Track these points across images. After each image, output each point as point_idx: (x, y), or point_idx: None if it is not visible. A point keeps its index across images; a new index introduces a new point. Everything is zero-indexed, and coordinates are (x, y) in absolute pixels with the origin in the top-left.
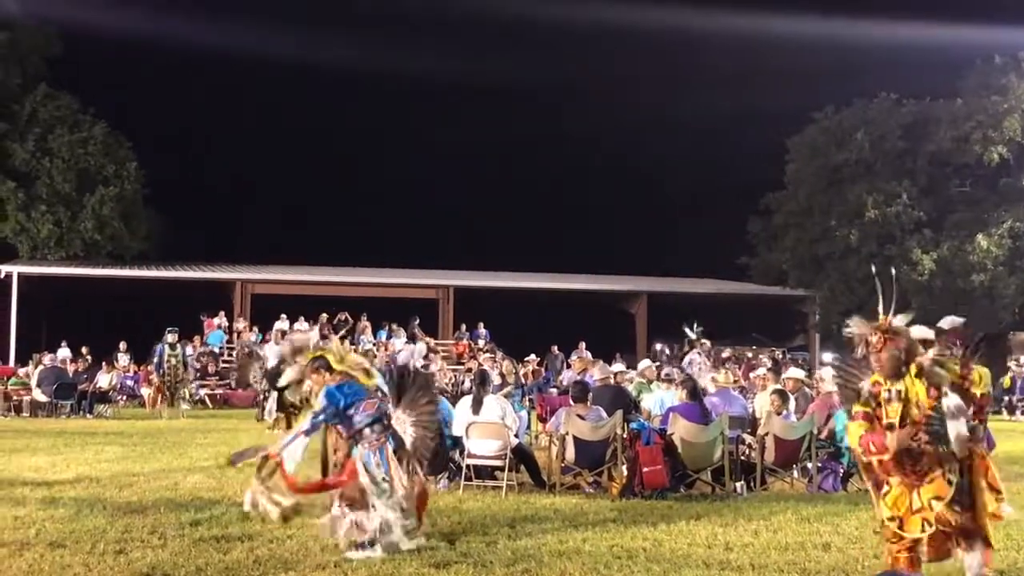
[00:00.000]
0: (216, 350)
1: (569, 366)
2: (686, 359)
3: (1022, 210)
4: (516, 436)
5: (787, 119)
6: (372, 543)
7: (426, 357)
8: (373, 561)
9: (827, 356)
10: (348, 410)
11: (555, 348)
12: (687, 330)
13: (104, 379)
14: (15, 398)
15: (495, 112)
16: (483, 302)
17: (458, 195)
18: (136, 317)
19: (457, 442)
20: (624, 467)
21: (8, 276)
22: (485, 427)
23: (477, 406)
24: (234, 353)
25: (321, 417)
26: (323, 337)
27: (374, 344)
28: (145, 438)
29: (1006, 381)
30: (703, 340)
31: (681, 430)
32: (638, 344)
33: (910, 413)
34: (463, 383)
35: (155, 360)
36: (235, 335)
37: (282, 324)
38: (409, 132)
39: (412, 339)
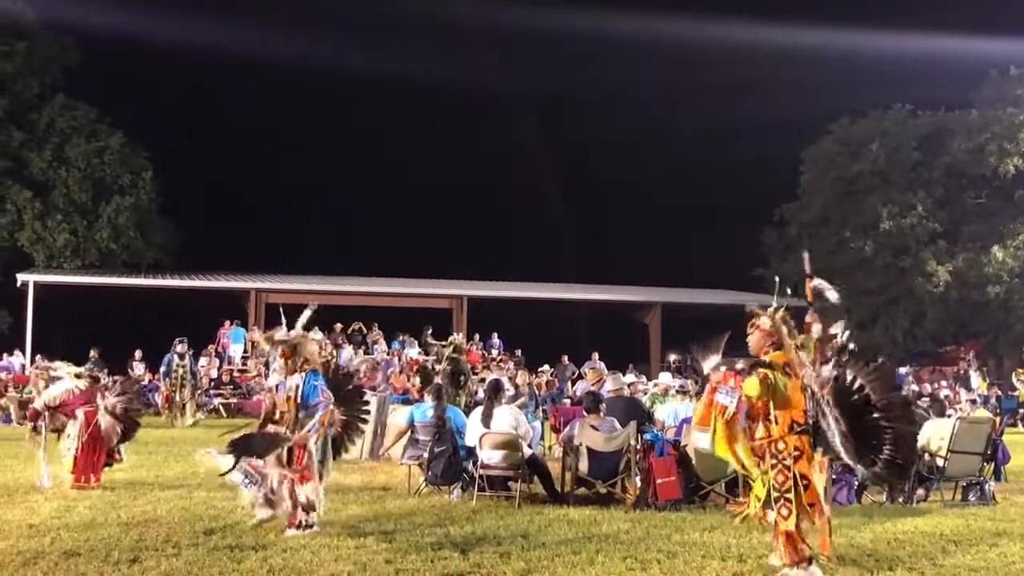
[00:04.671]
0: (232, 353)
1: (580, 376)
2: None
3: None
4: (529, 446)
5: (802, 130)
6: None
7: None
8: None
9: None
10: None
11: (565, 358)
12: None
13: None
14: (31, 406)
15: (512, 123)
16: (496, 312)
17: (472, 205)
18: (151, 326)
19: (470, 452)
20: (638, 478)
21: (24, 285)
22: (498, 437)
23: (488, 418)
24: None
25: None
26: (336, 346)
27: (388, 354)
28: (159, 447)
29: (1022, 394)
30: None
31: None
32: (652, 355)
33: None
34: (476, 393)
35: (163, 369)
36: (251, 345)
37: None
38: (425, 142)
39: (425, 348)
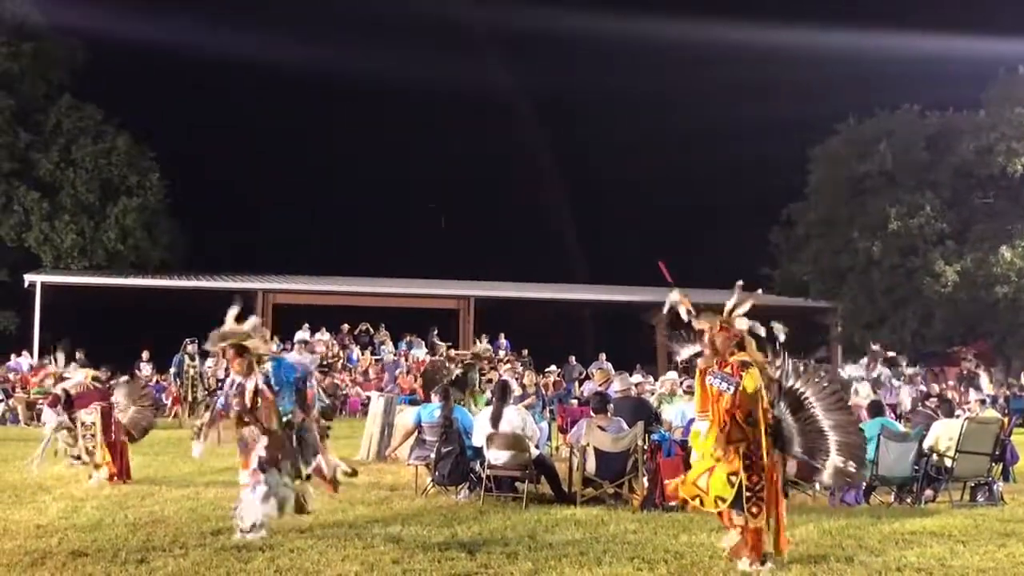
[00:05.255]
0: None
1: (587, 376)
2: (875, 374)
3: None
4: (537, 447)
5: (809, 129)
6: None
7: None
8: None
9: (849, 368)
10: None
11: (572, 358)
12: (873, 345)
13: None
14: (38, 406)
15: (518, 122)
16: (503, 312)
17: (479, 206)
18: (159, 327)
19: (477, 452)
20: (645, 479)
21: (32, 285)
22: (505, 438)
23: (497, 418)
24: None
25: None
26: (343, 346)
27: (394, 354)
28: (167, 447)
29: None
30: (890, 354)
31: None
32: (659, 355)
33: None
34: (485, 394)
35: (173, 370)
36: None
37: (303, 334)
38: (431, 143)
39: (432, 349)
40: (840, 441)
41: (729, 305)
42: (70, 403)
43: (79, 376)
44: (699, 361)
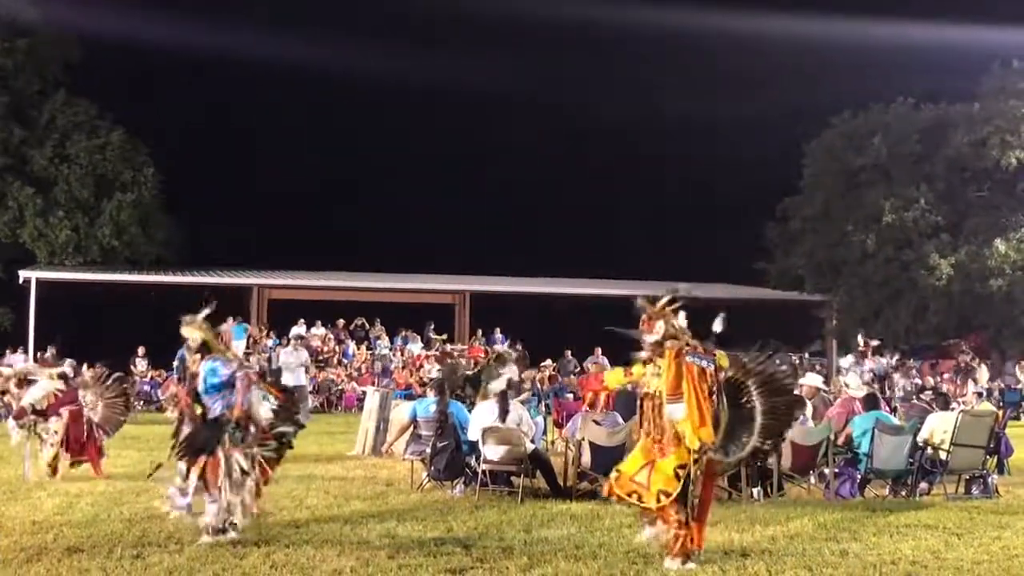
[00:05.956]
0: (235, 349)
1: (582, 371)
2: (881, 366)
3: None
4: (532, 442)
5: (804, 123)
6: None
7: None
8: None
9: (844, 361)
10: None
11: (568, 353)
12: (860, 339)
13: None
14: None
15: (513, 117)
16: (500, 307)
17: (475, 200)
18: (154, 323)
19: (473, 447)
20: None
21: (26, 282)
22: (501, 433)
23: (504, 413)
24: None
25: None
26: (339, 341)
27: (390, 349)
28: (162, 443)
29: None
30: (874, 342)
31: None
32: None
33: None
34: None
35: (176, 364)
36: (251, 341)
37: (299, 329)
38: (426, 138)
39: (427, 344)
40: (764, 424)
41: (660, 303)
42: (40, 413)
43: (41, 382)
44: (669, 343)
